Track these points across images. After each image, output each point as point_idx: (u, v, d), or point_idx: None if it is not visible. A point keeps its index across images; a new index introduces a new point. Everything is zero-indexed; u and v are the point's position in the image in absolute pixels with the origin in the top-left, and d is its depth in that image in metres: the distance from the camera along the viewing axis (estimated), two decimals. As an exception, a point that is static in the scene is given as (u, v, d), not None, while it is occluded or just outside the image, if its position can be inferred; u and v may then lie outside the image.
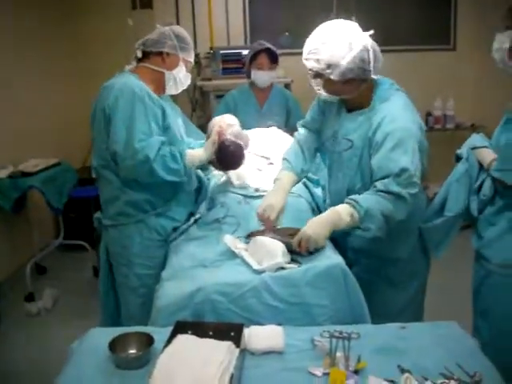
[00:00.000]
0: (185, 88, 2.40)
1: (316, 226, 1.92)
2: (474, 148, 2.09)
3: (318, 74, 2.02)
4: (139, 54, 2.30)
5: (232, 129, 2.43)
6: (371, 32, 2.02)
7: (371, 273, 2.18)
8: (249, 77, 3.42)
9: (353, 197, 1.94)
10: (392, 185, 1.88)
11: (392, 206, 1.88)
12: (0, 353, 3.20)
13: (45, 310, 3.67)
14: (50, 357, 3.00)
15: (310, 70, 2.02)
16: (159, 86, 2.31)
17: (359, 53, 1.95)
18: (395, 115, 1.97)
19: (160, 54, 2.27)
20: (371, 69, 1.99)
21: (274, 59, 3.37)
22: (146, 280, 2.24)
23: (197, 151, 2.33)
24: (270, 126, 3.18)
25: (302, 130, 2.37)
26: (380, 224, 1.90)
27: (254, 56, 3.38)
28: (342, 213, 1.90)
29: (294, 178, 2.23)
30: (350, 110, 2.13)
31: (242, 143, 2.41)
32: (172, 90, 2.36)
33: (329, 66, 1.95)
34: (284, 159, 2.27)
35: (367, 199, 1.90)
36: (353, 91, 2.04)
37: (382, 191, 1.89)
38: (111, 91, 2.16)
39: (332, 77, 1.97)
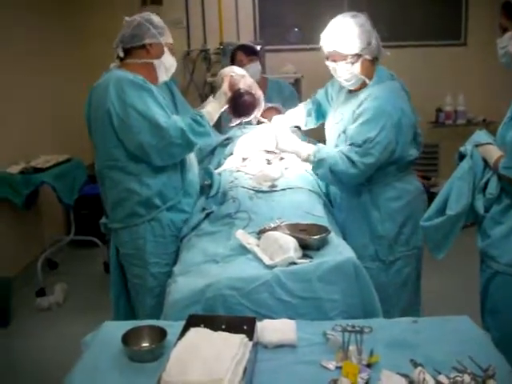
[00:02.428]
0: (173, 71, 2.39)
1: (286, 143, 2.44)
2: (478, 145, 2.05)
3: (356, 57, 2.26)
4: (121, 53, 2.26)
5: (245, 80, 2.43)
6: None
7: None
8: None
9: (321, 146, 2.39)
10: (351, 152, 2.23)
11: (344, 167, 2.23)
12: (11, 347, 3.22)
13: (56, 304, 3.70)
14: (61, 351, 3.01)
15: (346, 55, 2.25)
16: (149, 77, 2.27)
17: (375, 33, 2.28)
18: (377, 95, 2.25)
19: (143, 46, 2.24)
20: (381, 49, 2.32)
21: (250, 52, 3.39)
22: (161, 279, 2.20)
23: (210, 106, 2.35)
24: (269, 108, 3.18)
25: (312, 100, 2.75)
26: (325, 175, 2.31)
27: (233, 57, 3.43)
28: (304, 149, 2.37)
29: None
30: (350, 92, 2.42)
31: (254, 93, 2.43)
32: (163, 76, 2.35)
33: (367, 44, 2.24)
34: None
35: (327, 153, 2.30)
36: (373, 72, 2.33)
37: (343, 153, 2.25)
38: (107, 90, 2.14)
39: (367, 56, 2.26)
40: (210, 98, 2.43)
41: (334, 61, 2.30)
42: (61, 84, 4.69)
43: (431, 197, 2.24)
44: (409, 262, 2.43)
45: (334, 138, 2.42)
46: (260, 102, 2.47)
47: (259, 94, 2.47)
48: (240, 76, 2.42)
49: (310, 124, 2.77)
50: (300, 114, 2.73)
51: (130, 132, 2.15)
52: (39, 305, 3.67)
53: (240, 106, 2.39)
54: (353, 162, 2.23)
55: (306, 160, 2.38)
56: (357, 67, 2.28)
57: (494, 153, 1.99)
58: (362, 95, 2.31)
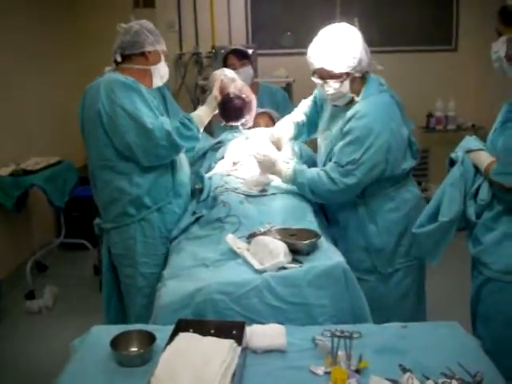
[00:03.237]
0: (167, 78, 2.42)
1: (265, 165, 2.40)
2: (469, 151, 2.06)
3: (345, 75, 2.18)
4: (119, 58, 2.30)
5: (235, 83, 2.44)
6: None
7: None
8: None
9: (298, 169, 2.35)
10: (334, 171, 2.21)
11: (323, 187, 2.24)
12: (0, 350, 3.20)
13: (45, 307, 3.67)
14: (50, 355, 3.00)
15: (337, 73, 2.17)
16: (144, 82, 2.29)
17: (366, 48, 2.19)
18: (365, 113, 2.17)
19: (142, 53, 2.29)
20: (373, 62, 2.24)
21: (242, 56, 3.39)
22: (151, 279, 2.23)
23: (200, 110, 2.39)
24: (261, 113, 3.18)
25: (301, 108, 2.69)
26: (309, 196, 2.32)
27: (225, 61, 3.43)
28: (284, 175, 2.36)
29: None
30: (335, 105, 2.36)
31: (245, 96, 2.43)
32: (158, 82, 2.39)
33: (358, 63, 2.16)
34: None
35: (306, 177, 2.29)
36: (361, 88, 2.25)
37: (325, 171, 2.24)
38: (98, 91, 2.18)
39: (357, 74, 2.19)
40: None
41: (322, 78, 2.22)
42: (52, 86, 4.67)
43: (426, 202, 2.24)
44: (409, 273, 2.37)
45: (324, 156, 2.38)
46: (251, 105, 2.47)
47: (251, 97, 2.47)
48: (230, 79, 2.43)
49: (302, 137, 2.74)
50: (288, 128, 2.65)
51: (117, 131, 2.18)
52: (28, 308, 3.64)
53: (230, 109, 2.40)
54: (333, 180, 2.21)
55: (287, 183, 2.39)
56: (346, 86, 2.20)
57: (484, 159, 1.99)
58: (350, 112, 2.23)
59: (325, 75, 2.21)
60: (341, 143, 2.22)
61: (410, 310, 2.40)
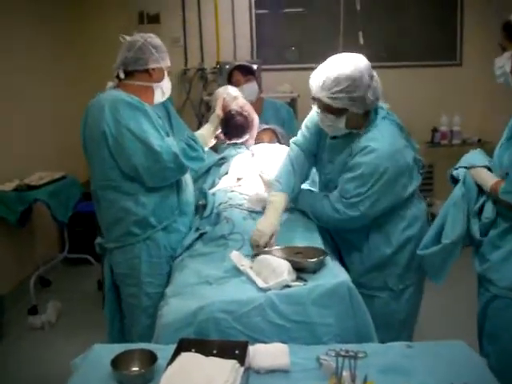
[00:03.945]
0: (169, 94, 2.40)
1: (263, 223, 2.17)
2: (470, 167, 2.03)
3: (342, 111, 2.10)
4: (122, 75, 2.27)
5: (237, 101, 2.44)
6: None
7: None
8: None
9: (302, 192, 2.35)
10: (338, 202, 2.19)
11: (329, 217, 2.22)
12: (2, 366, 3.18)
13: (48, 323, 3.65)
14: (52, 371, 2.98)
15: (333, 108, 2.10)
16: (145, 99, 2.27)
17: (375, 83, 2.11)
18: (372, 148, 2.11)
19: (146, 70, 2.26)
20: (380, 96, 2.15)
21: (247, 72, 3.40)
22: (156, 299, 2.17)
23: (204, 130, 2.39)
24: (265, 129, 3.18)
25: (294, 147, 2.42)
26: (310, 216, 2.31)
27: (230, 77, 3.43)
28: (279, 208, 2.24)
29: (286, 197, 2.30)
30: (333, 137, 2.28)
31: (247, 114, 2.43)
32: (159, 99, 2.36)
33: (359, 101, 2.07)
34: (275, 181, 2.34)
35: (309, 201, 2.31)
36: (364, 123, 2.19)
37: (329, 201, 2.22)
38: (103, 111, 2.14)
39: (358, 111, 2.10)
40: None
41: (320, 108, 2.16)
42: (56, 101, 4.69)
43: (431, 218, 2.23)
44: (418, 287, 2.36)
45: (324, 187, 2.39)
46: (253, 123, 2.47)
47: (253, 115, 2.47)
48: (233, 97, 2.43)
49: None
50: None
51: (124, 153, 2.15)
52: (31, 323, 3.63)
53: (232, 126, 2.41)
54: (337, 211, 2.20)
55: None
56: (342, 121, 2.13)
57: (488, 178, 1.96)
58: (355, 146, 2.16)
59: (321, 106, 2.14)
60: (346, 176, 2.18)
61: (413, 323, 2.42)
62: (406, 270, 2.28)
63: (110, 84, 2.32)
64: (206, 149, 2.32)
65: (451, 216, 2.03)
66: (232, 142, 2.49)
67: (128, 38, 2.29)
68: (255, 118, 2.48)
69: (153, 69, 2.27)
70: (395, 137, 2.18)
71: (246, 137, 2.48)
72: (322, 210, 2.25)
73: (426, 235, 2.15)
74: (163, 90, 2.34)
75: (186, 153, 2.20)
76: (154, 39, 2.30)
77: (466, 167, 2.07)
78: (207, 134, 2.34)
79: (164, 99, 2.39)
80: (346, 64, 2.07)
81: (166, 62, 2.32)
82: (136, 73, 2.27)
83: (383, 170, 2.10)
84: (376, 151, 2.10)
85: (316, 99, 2.15)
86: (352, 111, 2.10)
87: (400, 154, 2.16)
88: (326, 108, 2.12)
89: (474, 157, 2.07)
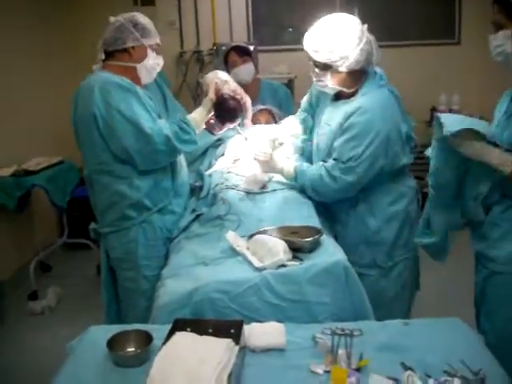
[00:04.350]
0: (158, 71, 2.34)
1: (267, 164, 2.43)
2: (456, 135, 1.79)
3: (326, 66, 2.17)
4: (102, 56, 2.23)
5: (228, 85, 2.40)
6: (366, 25, 2.19)
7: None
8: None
9: (299, 168, 2.35)
10: (335, 169, 2.20)
11: (324, 186, 2.24)
12: (2, 351, 3.19)
13: (48, 308, 3.67)
14: (52, 355, 2.95)
15: (317, 62, 2.18)
16: (133, 79, 2.23)
17: (365, 45, 2.13)
18: (366, 109, 2.15)
19: (125, 50, 2.21)
20: (373, 61, 2.19)
21: (243, 53, 3.39)
22: (154, 282, 2.14)
23: (196, 113, 2.32)
24: (262, 109, 3.16)
25: (299, 111, 2.69)
26: (311, 195, 2.33)
27: (226, 58, 3.42)
28: (286, 174, 2.40)
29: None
30: (336, 99, 2.34)
31: (239, 97, 2.40)
32: (147, 79, 2.31)
33: (340, 58, 2.12)
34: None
35: (308, 176, 2.30)
36: (354, 84, 2.23)
37: (326, 169, 2.23)
38: (93, 93, 2.10)
39: (341, 68, 2.15)
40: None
41: (310, 61, 2.24)
42: (53, 86, 4.66)
43: (424, 197, 2.20)
44: (407, 264, 2.39)
45: (322, 150, 2.36)
46: (246, 106, 2.44)
47: (245, 98, 2.43)
48: (223, 82, 2.39)
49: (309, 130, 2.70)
50: (295, 124, 2.67)
51: (114, 135, 2.12)
52: (31, 309, 3.64)
53: (224, 111, 2.36)
54: (334, 179, 2.21)
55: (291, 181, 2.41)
56: (326, 77, 2.21)
57: (501, 157, 1.76)
58: (349, 107, 2.21)
59: (311, 60, 2.23)
60: (341, 139, 2.20)
61: (408, 299, 2.44)
62: (393, 246, 2.31)
63: (95, 66, 2.28)
64: (198, 132, 2.29)
65: (432, 218, 2.04)
66: (225, 126, 2.45)
67: (113, 18, 2.24)
68: (248, 100, 2.44)
69: (132, 47, 2.21)
70: (391, 104, 2.23)
71: (239, 121, 2.45)
72: (320, 182, 2.25)
73: (420, 222, 2.14)
74: (148, 69, 2.27)
75: (178, 136, 2.16)
76: (137, 17, 2.23)
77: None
78: (199, 118, 2.30)
79: (152, 78, 2.34)
80: (334, 22, 2.16)
81: (150, 40, 2.24)
82: (116, 53, 2.22)
83: (377, 129, 2.14)
84: (370, 111, 2.15)
85: (307, 55, 2.23)
86: (336, 68, 2.16)
87: (394, 119, 2.21)
88: (313, 62, 2.22)
89: (474, 123, 1.88)
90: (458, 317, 1.71)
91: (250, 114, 2.49)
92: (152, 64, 2.28)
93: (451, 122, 1.81)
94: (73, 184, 4.04)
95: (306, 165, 2.40)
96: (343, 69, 2.15)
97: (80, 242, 4.32)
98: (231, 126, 2.46)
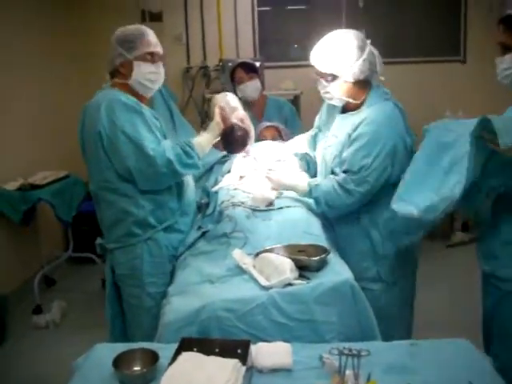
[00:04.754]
0: (157, 79, 2.28)
1: (279, 182, 2.49)
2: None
3: (332, 77, 2.23)
4: (107, 77, 2.27)
5: (237, 113, 2.39)
6: (369, 41, 2.28)
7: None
8: (237, 95, 3.42)
9: (313, 184, 2.37)
10: (348, 182, 2.23)
11: (340, 200, 2.26)
12: (6, 365, 3.18)
13: (53, 322, 3.65)
14: (56, 370, 2.95)
15: (324, 73, 2.23)
16: (136, 96, 2.24)
17: (368, 56, 2.21)
18: (372, 119, 2.21)
19: (117, 69, 2.23)
20: (377, 71, 2.26)
21: (250, 69, 3.40)
22: (158, 299, 2.15)
23: (202, 137, 2.30)
24: (268, 126, 3.18)
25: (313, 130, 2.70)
26: (324, 210, 2.35)
27: (232, 74, 3.44)
28: (300, 190, 2.42)
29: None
30: (343, 112, 2.38)
31: (246, 127, 2.39)
32: (146, 91, 2.28)
33: (345, 68, 2.19)
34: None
35: (322, 190, 2.31)
36: (360, 94, 2.29)
37: (339, 184, 2.25)
38: (99, 111, 2.12)
39: (347, 78, 2.21)
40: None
41: (317, 75, 2.29)
42: (60, 100, 4.68)
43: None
44: (409, 279, 2.42)
45: (329, 161, 2.37)
46: (251, 135, 2.44)
47: (251, 127, 2.43)
48: (232, 108, 2.38)
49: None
50: (303, 142, 2.70)
51: (118, 155, 2.14)
52: (36, 323, 3.63)
53: (232, 142, 2.36)
54: (348, 192, 2.23)
55: (304, 197, 2.42)
56: (333, 87, 2.25)
57: None
58: (357, 118, 2.26)
59: (317, 73, 2.28)
60: (351, 149, 2.24)
61: (409, 315, 2.47)
62: (396, 260, 2.32)
63: (105, 85, 2.30)
64: (202, 156, 2.27)
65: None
66: (231, 155, 2.46)
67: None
68: (253, 130, 2.45)
69: (121, 65, 2.21)
70: (397, 116, 2.27)
71: (247, 149, 2.45)
72: (333, 196, 2.27)
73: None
74: (140, 81, 2.23)
75: (181, 159, 2.15)
76: (125, 32, 2.23)
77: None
78: (205, 143, 2.27)
79: (152, 90, 2.31)
80: (338, 36, 2.24)
81: (138, 51, 2.20)
82: (115, 72, 2.25)
83: (385, 139, 2.19)
84: (377, 122, 2.21)
85: (314, 68, 2.28)
86: (342, 78, 2.22)
87: (400, 130, 2.25)
88: (318, 74, 2.26)
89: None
90: (463, 337, 1.69)
91: (252, 142, 2.49)
92: (144, 74, 2.23)
93: (507, 130, 1.68)
94: (79, 199, 4.04)
95: (318, 179, 2.42)
96: (349, 78, 2.22)
97: (85, 256, 4.32)
98: (238, 154, 2.47)
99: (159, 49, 2.27)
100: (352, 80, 2.22)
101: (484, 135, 1.76)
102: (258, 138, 3.01)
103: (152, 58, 2.24)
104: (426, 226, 2.03)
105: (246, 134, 2.39)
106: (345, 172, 2.25)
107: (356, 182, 2.21)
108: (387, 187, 2.25)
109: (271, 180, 2.48)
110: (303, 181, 2.44)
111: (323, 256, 1.93)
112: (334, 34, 2.25)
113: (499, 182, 1.87)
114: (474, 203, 2.01)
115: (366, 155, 2.19)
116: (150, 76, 2.25)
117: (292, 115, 3.55)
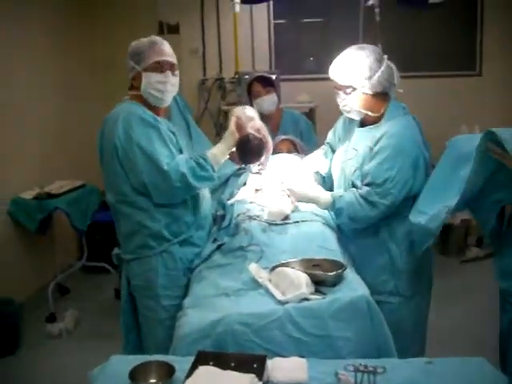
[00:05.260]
0: (167, 89, 2.24)
1: (302, 195, 2.43)
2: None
3: (351, 90, 2.25)
4: (128, 88, 2.30)
5: (253, 122, 2.37)
6: (386, 56, 2.31)
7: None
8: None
9: (337, 196, 2.35)
10: (371, 195, 2.23)
11: (363, 212, 2.26)
12: (19, 374, 3.20)
13: (66, 331, 3.68)
14: (69, 379, 2.99)
15: (343, 86, 2.26)
16: (151, 109, 2.25)
17: (386, 69, 2.25)
18: (394, 132, 2.24)
19: (132, 83, 2.26)
20: (395, 84, 2.29)
21: (267, 83, 3.42)
22: (173, 311, 2.15)
23: (216, 148, 2.28)
24: (284, 139, 3.18)
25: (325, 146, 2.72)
26: (345, 223, 2.35)
27: (249, 88, 3.45)
28: (322, 202, 2.38)
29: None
30: (362, 126, 2.40)
31: (263, 137, 2.38)
32: (160, 102, 2.27)
33: (364, 80, 2.22)
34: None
35: (345, 202, 2.30)
36: (379, 107, 2.31)
37: (362, 196, 2.25)
38: (116, 124, 2.14)
39: (365, 90, 2.24)
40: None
41: (336, 88, 2.32)
42: (77, 110, 4.74)
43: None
44: (425, 295, 2.42)
45: (349, 174, 2.38)
46: (269, 146, 2.42)
47: (268, 138, 2.42)
48: (249, 118, 2.36)
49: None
50: (318, 160, 2.71)
51: (133, 169, 2.16)
52: (49, 331, 3.66)
53: (247, 152, 2.31)
54: (372, 204, 2.23)
55: (325, 209, 2.43)
56: (352, 99, 2.27)
57: None
58: (377, 132, 2.29)
59: (337, 86, 2.31)
60: (373, 162, 2.25)
61: (423, 330, 2.46)
62: (414, 274, 2.32)
63: (126, 97, 2.32)
64: (217, 168, 2.26)
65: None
66: (246, 165, 2.45)
67: None
68: (270, 141, 2.43)
69: (133, 78, 2.25)
70: (415, 130, 2.30)
71: (261, 160, 2.42)
72: (357, 208, 2.27)
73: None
74: (150, 92, 2.23)
75: (194, 172, 2.15)
76: (134, 44, 2.25)
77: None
78: (219, 154, 2.26)
79: (166, 100, 2.29)
80: (356, 49, 2.28)
81: (146, 62, 2.20)
82: (131, 85, 2.28)
83: (407, 151, 2.22)
84: (398, 135, 2.23)
85: (333, 81, 2.31)
86: (360, 90, 2.24)
87: (419, 143, 2.27)
88: (339, 87, 2.29)
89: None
90: (474, 354, 1.68)
91: (269, 156, 2.48)
92: (152, 84, 2.22)
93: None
94: (94, 208, 4.08)
95: (341, 191, 2.41)
96: (367, 90, 2.25)
97: (99, 265, 4.35)
98: (251, 165, 2.46)
99: (170, 58, 2.25)
100: (370, 92, 2.25)
101: (492, 148, 1.83)
102: (274, 151, 3.01)
103: (160, 66, 2.22)
104: (431, 234, 2.09)
105: (261, 143, 2.35)
106: (367, 185, 2.26)
107: (381, 195, 2.22)
108: (407, 200, 2.27)
109: (294, 192, 2.46)
110: (325, 193, 2.43)
111: (339, 271, 1.92)
112: (352, 48, 2.29)
113: (505, 195, 1.91)
114: (481, 216, 2.03)
115: (389, 168, 2.20)
116: (158, 86, 2.22)
117: (308, 129, 3.56)
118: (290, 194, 2.47)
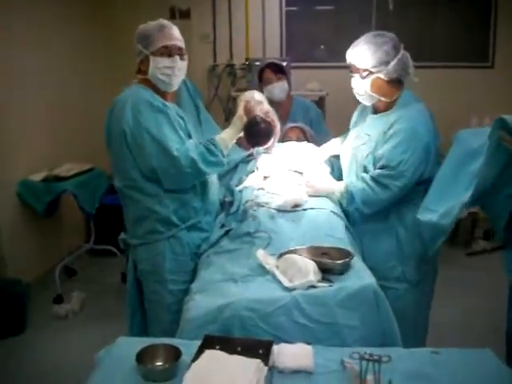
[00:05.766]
0: (175, 73, 2.23)
1: (317, 188, 2.49)
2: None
3: (367, 74, 2.28)
4: (136, 72, 2.29)
5: (261, 106, 2.37)
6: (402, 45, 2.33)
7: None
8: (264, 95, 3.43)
9: (348, 182, 2.42)
10: (384, 177, 2.28)
11: (375, 195, 2.30)
12: (26, 354, 3.24)
13: (72, 312, 3.71)
14: (75, 360, 3.02)
15: (359, 68, 2.29)
16: (159, 93, 2.24)
17: (402, 56, 2.28)
18: (408, 117, 2.28)
19: (139, 66, 2.26)
20: (410, 72, 2.30)
21: (278, 70, 3.41)
22: (179, 296, 2.16)
23: (225, 133, 2.30)
24: (293, 127, 3.17)
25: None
26: (359, 209, 2.36)
27: (261, 75, 3.44)
28: (335, 192, 2.44)
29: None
30: (375, 113, 2.44)
31: (271, 121, 2.37)
32: (168, 87, 2.25)
33: (380, 64, 2.25)
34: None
35: (356, 187, 2.35)
36: (392, 93, 2.33)
37: (373, 178, 2.30)
38: (124, 109, 2.13)
39: (381, 75, 2.27)
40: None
41: (352, 72, 2.34)
42: (86, 93, 4.74)
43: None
44: (431, 281, 2.46)
45: (361, 158, 2.40)
46: (277, 130, 2.42)
47: (276, 122, 2.42)
48: (258, 102, 2.36)
49: None
50: (336, 146, 2.73)
51: (142, 154, 2.15)
52: (56, 312, 3.68)
53: (255, 134, 2.31)
54: (385, 186, 2.27)
55: (339, 200, 2.45)
56: (367, 83, 2.30)
57: None
58: (391, 117, 2.32)
59: (353, 70, 2.33)
60: (387, 146, 2.29)
61: (426, 319, 2.51)
62: (422, 260, 2.34)
63: (134, 81, 2.31)
64: (226, 151, 2.26)
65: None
66: (254, 148, 2.44)
67: None
68: (278, 125, 2.43)
69: (141, 62, 2.24)
70: (428, 117, 2.33)
71: (269, 144, 2.42)
72: (369, 192, 2.31)
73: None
74: (158, 76, 2.21)
75: (204, 157, 2.16)
76: (142, 28, 2.24)
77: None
78: (228, 138, 2.27)
79: (174, 84, 2.27)
80: (372, 34, 2.31)
81: (154, 46, 2.19)
82: (139, 69, 2.27)
83: (420, 135, 2.25)
84: (412, 119, 2.27)
85: (350, 65, 2.35)
86: (376, 75, 2.27)
87: (431, 129, 2.29)
88: (356, 71, 2.32)
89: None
90: (486, 346, 1.68)
91: (276, 140, 2.48)
92: (159, 69, 2.20)
93: None
94: (102, 191, 4.10)
95: (353, 179, 2.44)
96: (383, 76, 2.27)
97: (106, 248, 4.37)
98: (260, 148, 2.46)
99: (178, 42, 2.24)
100: (386, 78, 2.28)
101: (504, 137, 1.83)
102: (283, 139, 3.01)
103: (168, 51, 2.20)
104: (443, 231, 2.08)
105: (270, 126, 2.35)
106: (381, 168, 2.30)
107: (394, 177, 2.26)
108: (417, 186, 2.30)
109: (311, 187, 2.49)
110: (338, 184, 2.48)
111: (347, 260, 1.92)
112: (371, 33, 2.32)
113: None
114: (493, 212, 2.02)
115: (404, 151, 2.24)
116: (166, 70, 2.21)
117: (318, 118, 3.53)
118: (308, 188, 2.49)
